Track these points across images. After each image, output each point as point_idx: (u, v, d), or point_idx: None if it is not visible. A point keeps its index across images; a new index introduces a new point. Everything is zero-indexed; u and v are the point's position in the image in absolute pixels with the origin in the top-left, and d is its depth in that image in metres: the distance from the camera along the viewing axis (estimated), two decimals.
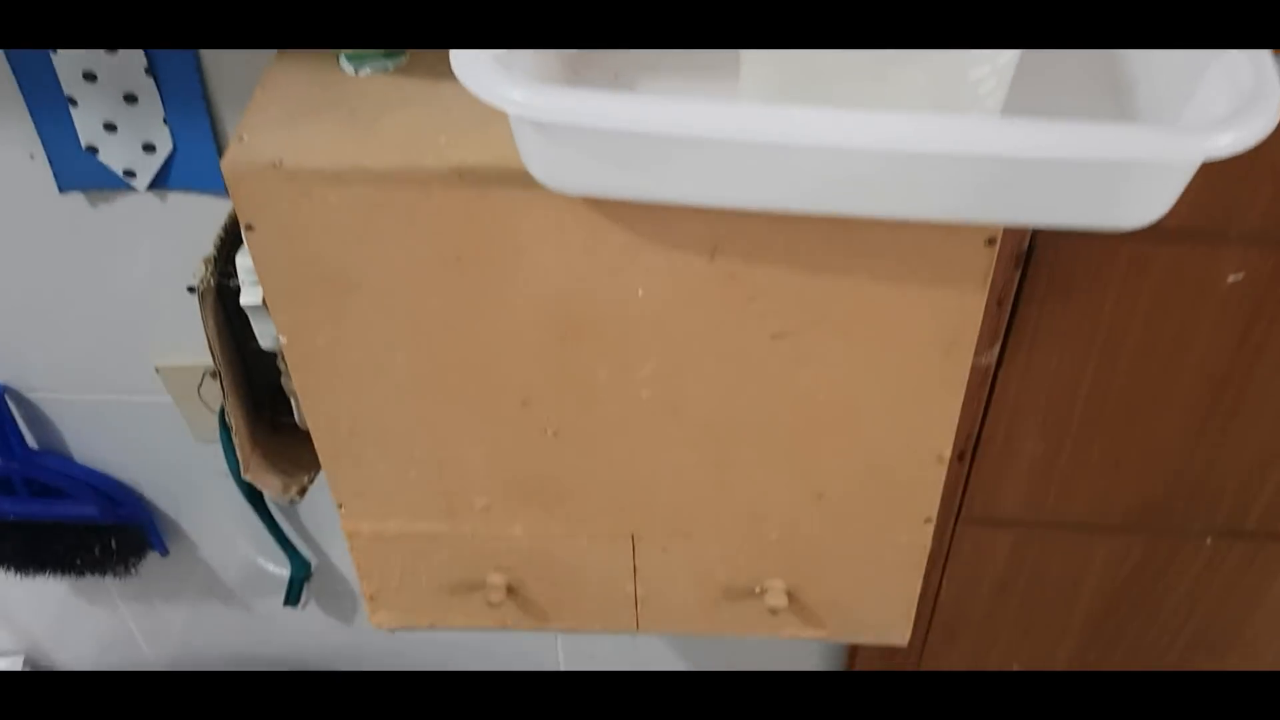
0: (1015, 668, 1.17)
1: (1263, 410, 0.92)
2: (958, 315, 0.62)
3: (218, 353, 0.72)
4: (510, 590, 0.80)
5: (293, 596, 1.12)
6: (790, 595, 0.79)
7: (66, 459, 1.06)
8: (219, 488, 1.07)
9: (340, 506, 0.76)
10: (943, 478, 0.71)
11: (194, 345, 0.87)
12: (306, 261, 0.62)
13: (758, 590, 0.79)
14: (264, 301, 0.66)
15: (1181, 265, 0.82)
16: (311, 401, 0.70)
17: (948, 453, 0.69)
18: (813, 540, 0.75)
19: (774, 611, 0.78)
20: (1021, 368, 0.89)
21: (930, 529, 0.74)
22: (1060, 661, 1.16)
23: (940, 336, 0.63)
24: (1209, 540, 1.03)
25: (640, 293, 0.62)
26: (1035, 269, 0.82)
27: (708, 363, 0.66)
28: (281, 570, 1.13)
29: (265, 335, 0.69)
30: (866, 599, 0.79)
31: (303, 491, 0.80)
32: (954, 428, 0.68)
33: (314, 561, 1.13)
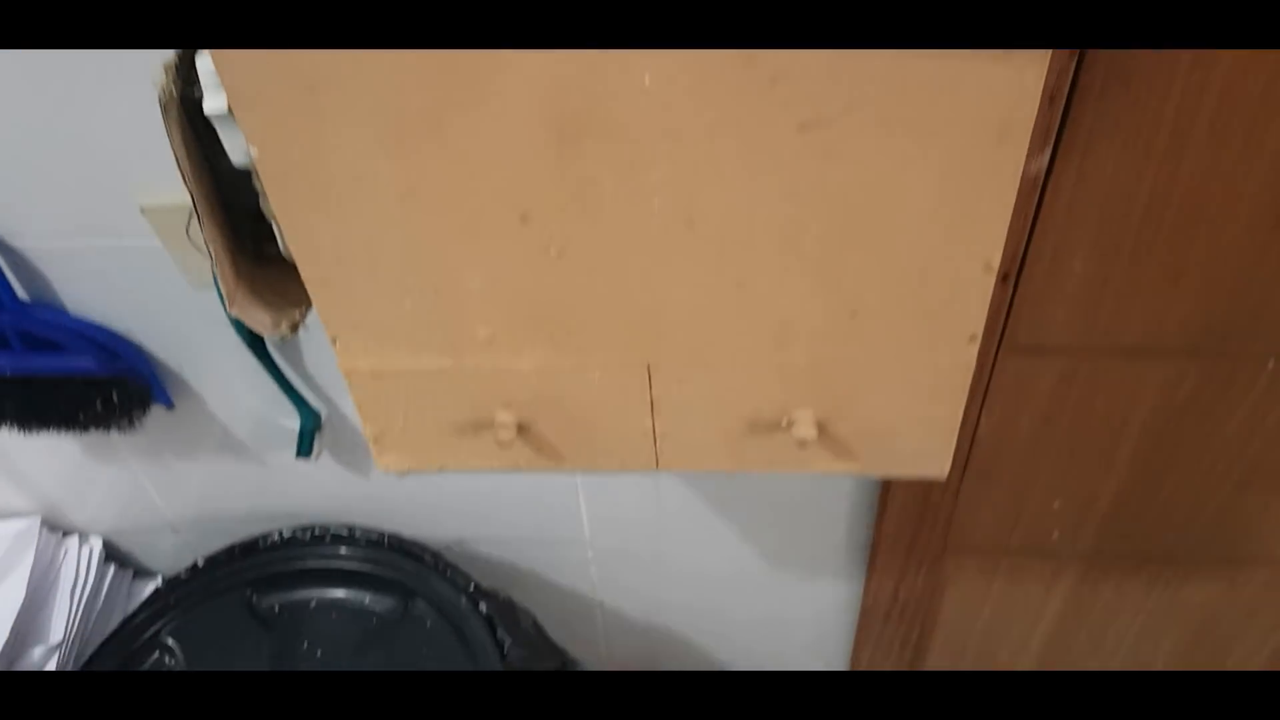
0: (1055, 506, 1.12)
1: None
2: (1014, 91, 0.54)
3: (187, 174, 0.65)
4: (521, 429, 0.75)
5: (304, 448, 1.08)
6: (820, 426, 0.73)
7: (60, 310, 1.01)
8: (220, 337, 1.02)
9: (334, 342, 0.71)
10: (990, 289, 0.64)
11: (178, 182, 0.81)
12: (273, 57, 0.55)
13: (785, 422, 0.74)
14: (230, 108, 0.59)
15: (1253, 54, 0.73)
16: (291, 224, 0.64)
17: (997, 260, 0.62)
18: (845, 364, 0.69)
19: (803, 444, 0.72)
20: (1074, 175, 0.81)
21: (975, 348, 0.68)
22: (1103, 499, 1.11)
23: (993, 119, 0.55)
24: (1271, 363, 0.96)
25: (647, 80, 0.55)
26: (1092, 58, 0.73)
27: (725, 163, 0.58)
28: (292, 422, 1.09)
29: (235, 148, 0.63)
30: (903, 428, 0.73)
31: (294, 327, 0.75)
32: (1005, 230, 0.61)
33: (324, 412, 1.09)
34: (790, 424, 0.73)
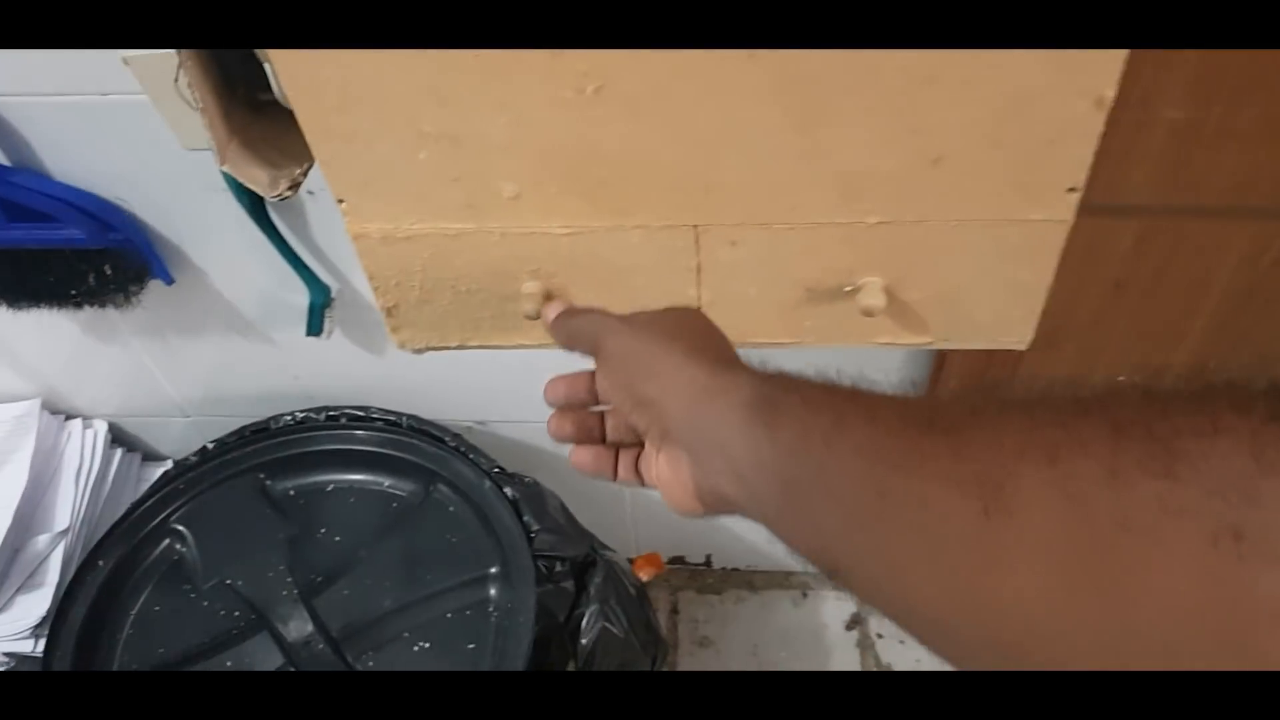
0: (1122, 377, 1.04)
1: None
2: None
3: None
4: (549, 299, 0.67)
5: (314, 325, 1.01)
6: (888, 293, 0.65)
7: (43, 176, 0.93)
8: (220, 205, 0.93)
9: (340, 203, 0.63)
10: (1099, 129, 0.55)
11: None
12: None
13: (848, 289, 0.65)
14: None
15: None
16: (286, 64, 0.55)
17: (1111, 93, 0.54)
18: (922, 222, 0.61)
19: (869, 313, 0.64)
20: None
21: (1075, 200, 0.59)
22: (1174, 370, 1.03)
23: None
24: None
25: None
26: None
27: None
28: (302, 298, 1.02)
29: None
30: (983, 294, 0.65)
31: (295, 185, 0.67)
32: (1123, 56, 0.52)
33: (335, 286, 1.01)
34: (855, 290, 0.65)
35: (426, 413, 1.14)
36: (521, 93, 0.55)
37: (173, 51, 0.76)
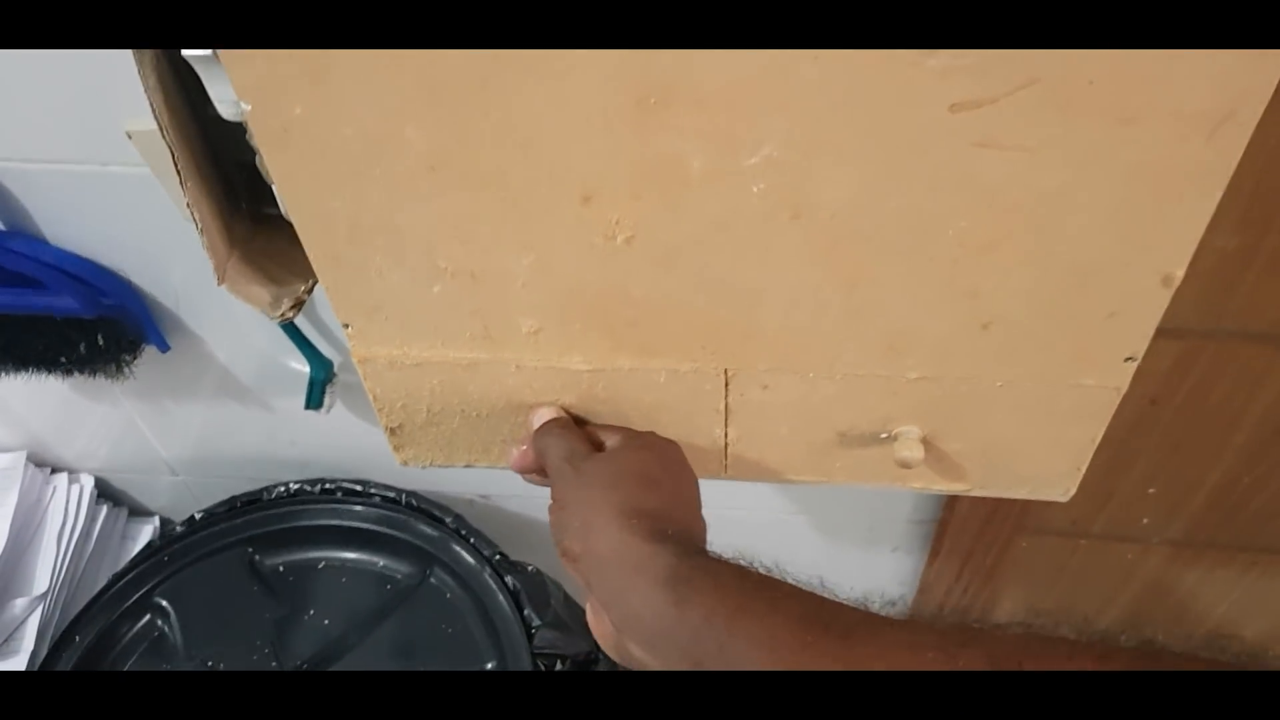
0: (1150, 492, 1.01)
1: None
2: (1243, 81, 0.41)
3: (165, 124, 0.52)
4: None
5: (314, 400, 0.96)
6: (926, 443, 0.61)
7: (38, 242, 0.88)
8: None
9: (346, 326, 0.59)
10: (1164, 305, 0.51)
11: None
12: None
13: (884, 436, 0.61)
14: (215, 51, 0.46)
15: None
16: (294, 193, 0.51)
17: (1180, 272, 0.50)
18: (967, 380, 0.57)
19: (905, 465, 0.60)
20: None
21: (1132, 369, 0.55)
22: (1205, 487, 0.99)
23: (1209, 112, 0.42)
24: None
25: None
26: None
27: (851, 146, 0.45)
28: (301, 365, 0.98)
29: (223, 101, 0.49)
30: (1027, 450, 0.61)
31: (298, 305, 0.62)
32: (1197, 238, 0.48)
33: (336, 360, 0.97)
34: (891, 438, 0.61)
35: (427, 485, 1.10)
36: (548, 236, 0.51)
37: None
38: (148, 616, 1.00)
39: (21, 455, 1.14)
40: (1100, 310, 0.52)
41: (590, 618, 0.57)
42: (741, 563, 0.50)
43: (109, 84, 0.73)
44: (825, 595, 0.48)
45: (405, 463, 0.67)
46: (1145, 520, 1.05)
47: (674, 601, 0.46)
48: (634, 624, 0.48)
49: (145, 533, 1.19)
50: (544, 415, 0.61)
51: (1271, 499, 1.00)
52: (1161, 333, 0.84)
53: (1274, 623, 1.19)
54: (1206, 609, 1.18)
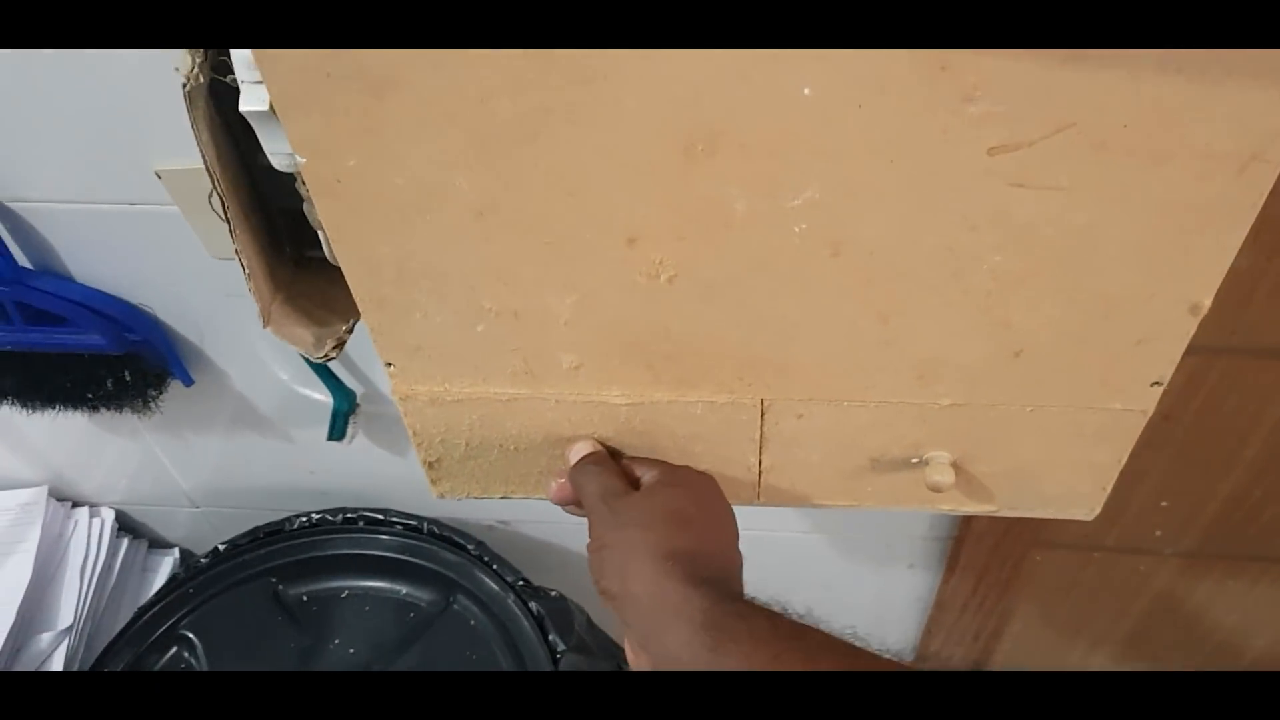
0: (1163, 504, 1.02)
1: None
2: (1272, 114, 0.42)
3: (216, 173, 0.54)
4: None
5: (337, 431, 0.98)
6: (956, 467, 0.62)
7: (65, 280, 0.89)
8: (243, 309, 0.90)
9: (388, 366, 0.60)
10: (1191, 332, 0.53)
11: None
12: (328, 52, 0.43)
13: (914, 461, 0.63)
14: (272, 107, 0.47)
15: None
16: (343, 239, 0.52)
17: (1208, 301, 0.51)
18: (997, 406, 0.58)
19: (936, 489, 0.62)
20: None
21: (1158, 393, 0.57)
22: (1218, 499, 1.01)
23: (1240, 149, 0.44)
24: None
25: (807, 91, 0.43)
26: None
27: (892, 187, 0.47)
28: (323, 395, 0.99)
29: (277, 153, 0.51)
30: (1053, 472, 0.63)
31: (340, 345, 0.64)
32: (1225, 269, 0.50)
33: (360, 390, 0.98)
34: (922, 463, 0.63)
35: (448, 513, 1.11)
36: (592, 276, 0.53)
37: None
38: (174, 649, 1.01)
39: (43, 490, 1.15)
40: (1128, 338, 0.53)
41: (629, 655, 0.58)
42: (775, 609, 0.52)
43: (137, 124, 0.74)
44: (859, 645, 0.51)
45: (442, 495, 0.68)
46: (1158, 533, 1.06)
47: (710, 647, 0.48)
48: (672, 665, 0.50)
49: (166, 565, 1.20)
50: (581, 450, 0.62)
51: None
52: None
53: (1278, 637, 1.21)
54: (1218, 619, 1.20)
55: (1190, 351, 0.85)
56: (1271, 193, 0.71)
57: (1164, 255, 0.49)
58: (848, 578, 1.20)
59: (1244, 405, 0.90)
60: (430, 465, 0.67)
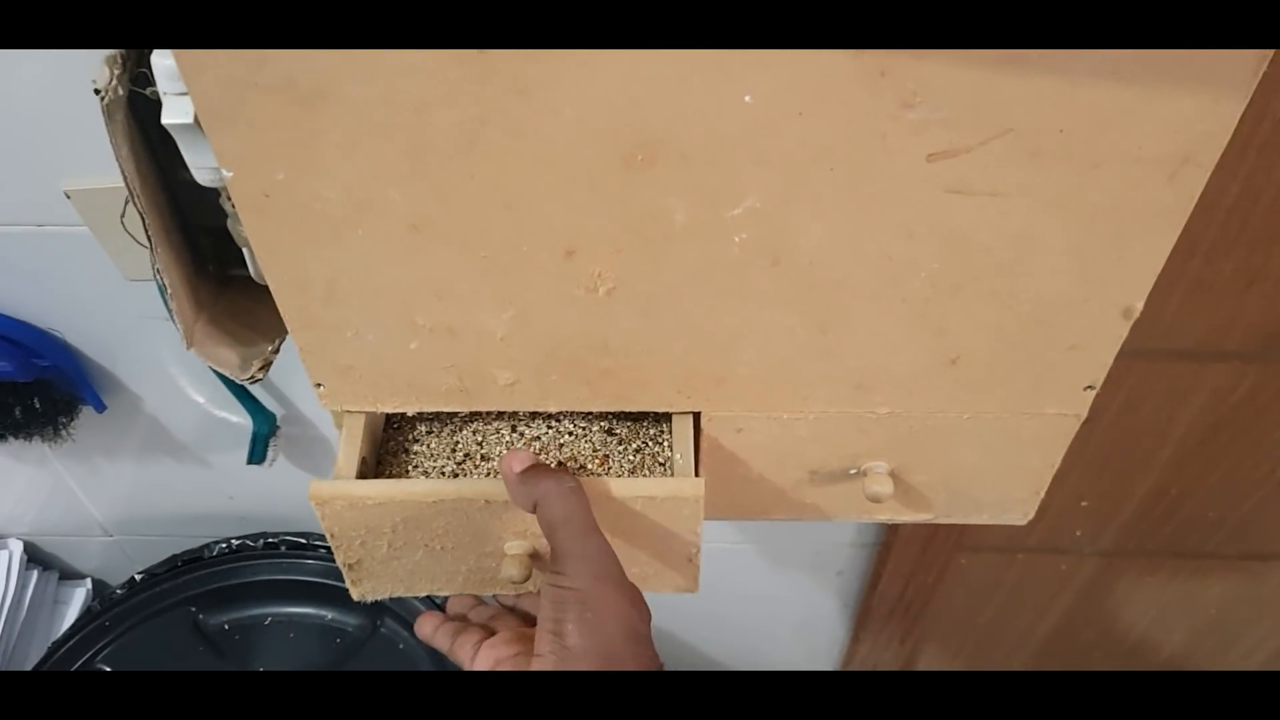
0: (1083, 505, 1.04)
1: None
2: (1203, 124, 0.43)
3: (137, 189, 0.51)
4: (534, 559, 0.62)
5: (257, 454, 0.95)
6: (894, 476, 0.63)
7: None
8: (158, 331, 0.88)
9: (318, 387, 0.58)
10: (1124, 336, 0.54)
11: (111, 161, 0.66)
12: (256, 62, 0.42)
13: (853, 472, 0.63)
14: (196, 119, 0.45)
15: None
16: (271, 256, 0.51)
17: (1140, 305, 0.52)
18: (934, 414, 0.59)
19: (875, 499, 0.62)
20: None
21: (1090, 397, 0.58)
22: (1135, 498, 1.04)
23: (1170, 154, 0.45)
24: None
25: (748, 99, 0.43)
26: None
27: (832, 195, 0.47)
28: (241, 419, 0.96)
29: (201, 168, 0.49)
30: (989, 478, 0.63)
31: (266, 366, 0.62)
32: (1156, 272, 0.51)
33: (280, 413, 0.96)
34: (861, 473, 0.63)
35: None
36: (529, 290, 0.52)
37: (118, 185, 0.70)
38: None
39: None
40: (1063, 343, 0.54)
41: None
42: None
43: (44, 142, 0.71)
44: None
45: (361, 597, 0.65)
46: (1078, 532, 1.08)
47: None
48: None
49: (79, 596, 1.15)
50: (520, 461, 0.58)
51: (1196, 508, 1.05)
52: None
53: (1200, 625, 1.24)
54: (1136, 615, 1.23)
55: None
56: None
57: (1098, 260, 0.49)
58: (777, 586, 1.20)
59: (1161, 407, 0.93)
60: (349, 567, 0.63)
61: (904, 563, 1.10)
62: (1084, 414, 0.59)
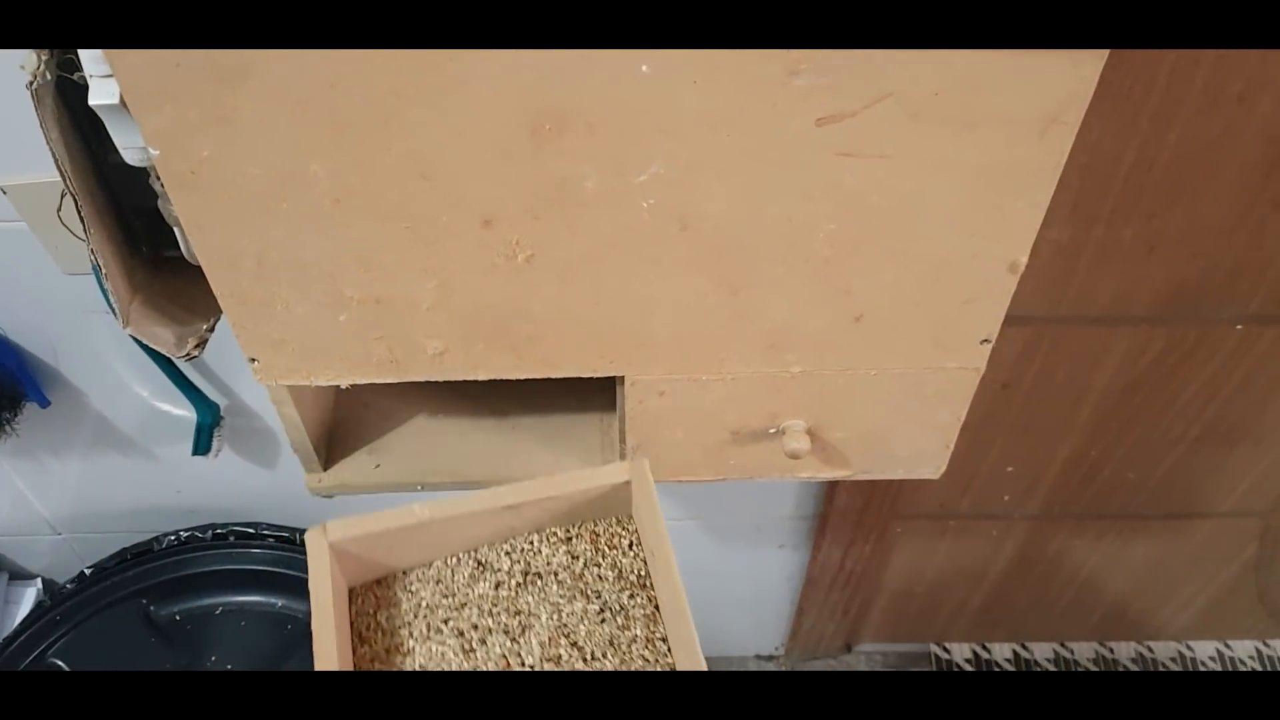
0: (1009, 470, 1.09)
1: None
2: (1066, 85, 0.47)
3: (68, 172, 0.53)
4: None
5: (202, 445, 0.96)
6: (811, 434, 0.66)
7: None
8: (100, 325, 0.89)
9: (252, 361, 0.60)
10: (1012, 289, 0.57)
11: (46, 157, 0.67)
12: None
13: (772, 431, 0.66)
14: (122, 100, 0.47)
15: None
16: (201, 233, 0.53)
17: (1024, 259, 0.56)
18: (843, 371, 0.62)
19: (794, 456, 0.65)
20: None
21: (988, 350, 0.61)
22: (1058, 462, 1.08)
23: (1039, 113, 0.48)
24: (1239, 327, 0.92)
25: (645, 69, 0.46)
26: None
27: (730, 161, 0.50)
28: (186, 411, 0.97)
29: (129, 148, 0.51)
30: (901, 433, 0.67)
31: (201, 344, 0.64)
32: (1036, 227, 0.54)
33: (223, 403, 0.97)
34: (780, 432, 0.66)
35: (319, 522, 1.10)
36: (451, 260, 0.54)
37: (54, 179, 0.72)
38: None
39: None
40: (957, 297, 0.57)
41: None
42: None
43: None
44: None
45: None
46: (1006, 497, 1.12)
47: None
48: None
49: (29, 596, 1.16)
50: None
51: (1116, 470, 1.09)
52: (1008, 320, 0.91)
53: (1130, 586, 1.29)
54: (1070, 577, 1.27)
55: (1023, 322, 0.92)
56: (1084, 168, 0.77)
57: (982, 217, 0.53)
58: (721, 562, 1.23)
59: (1075, 371, 0.97)
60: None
61: (842, 532, 1.13)
62: (982, 367, 0.62)
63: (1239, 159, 0.78)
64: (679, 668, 0.53)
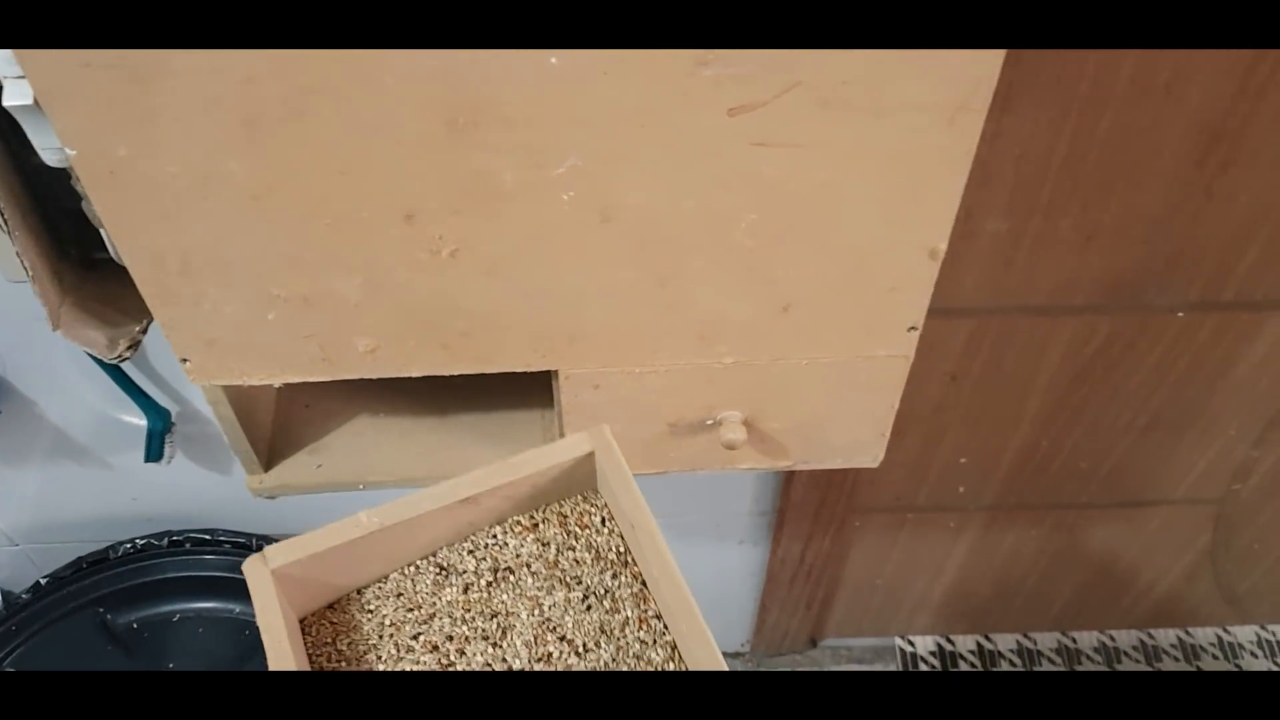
0: (962, 462, 1.09)
1: (1254, 169, 0.81)
2: (971, 74, 0.48)
3: None
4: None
5: (154, 451, 0.96)
6: (748, 425, 0.66)
7: None
8: (49, 333, 0.88)
9: (184, 362, 0.60)
10: (934, 276, 0.58)
11: None
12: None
13: (710, 423, 0.67)
14: (36, 100, 0.48)
15: None
16: (123, 232, 0.53)
17: (943, 246, 0.56)
18: (775, 361, 0.62)
19: (731, 446, 0.65)
20: (990, 131, 0.75)
21: (915, 338, 0.62)
22: (1009, 452, 1.09)
23: (946, 102, 0.49)
24: (1180, 314, 0.93)
25: (554, 60, 0.46)
26: None
27: (646, 153, 0.50)
28: (139, 419, 0.97)
29: (47, 149, 0.51)
30: (837, 422, 0.67)
31: (134, 345, 0.64)
32: (953, 215, 0.55)
33: (174, 409, 0.97)
34: (717, 424, 0.66)
35: (275, 528, 1.10)
36: (375, 255, 0.55)
37: None
38: None
39: None
40: (881, 285, 0.58)
41: None
42: None
43: None
44: None
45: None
46: (961, 489, 1.13)
47: None
48: None
49: None
50: None
51: (1068, 459, 1.10)
52: (952, 313, 0.93)
53: (1088, 575, 1.30)
54: (1028, 568, 1.28)
55: (967, 314, 0.93)
56: (1019, 159, 0.78)
57: (898, 205, 0.53)
58: (683, 560, 1.22)
59: (1021, 362, 0.98)
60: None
61: (800, 527, 1.14)
62: (911, 355, 0.63)
63: (1171, 148, 0.79)
64: (682, 641, 0.50)
